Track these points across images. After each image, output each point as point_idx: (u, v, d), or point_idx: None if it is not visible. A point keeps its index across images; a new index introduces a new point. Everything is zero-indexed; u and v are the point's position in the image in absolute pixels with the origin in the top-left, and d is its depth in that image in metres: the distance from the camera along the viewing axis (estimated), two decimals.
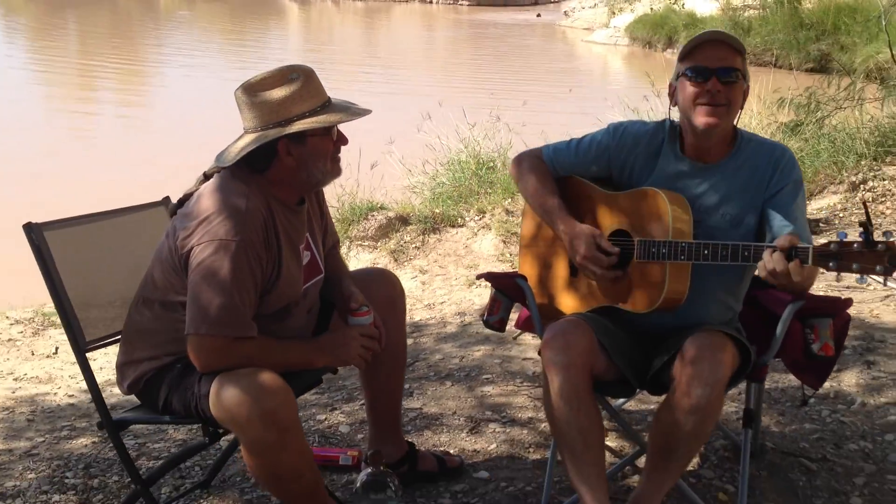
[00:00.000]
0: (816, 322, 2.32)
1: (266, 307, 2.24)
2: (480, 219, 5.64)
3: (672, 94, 2.42)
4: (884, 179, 6.78)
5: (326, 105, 2.26)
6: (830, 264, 1.99)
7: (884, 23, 7.82)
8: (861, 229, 1.95)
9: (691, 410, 2.11)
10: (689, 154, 2.41)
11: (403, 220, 5.50)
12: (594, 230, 2.42)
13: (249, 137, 2.22)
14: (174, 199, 2.48)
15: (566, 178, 2.60)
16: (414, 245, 5.38)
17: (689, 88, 2.31)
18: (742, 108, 2.38)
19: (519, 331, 2.87)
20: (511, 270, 3.11)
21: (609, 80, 17.25)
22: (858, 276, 1.97)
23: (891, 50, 7.31)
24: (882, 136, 7.17)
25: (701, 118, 2.30)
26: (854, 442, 2.92)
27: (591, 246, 2.38)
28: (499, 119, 6.43)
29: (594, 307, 2.47)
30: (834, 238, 2.01)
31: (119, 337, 2.41)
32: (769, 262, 2.04)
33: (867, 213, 1.96)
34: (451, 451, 2.92)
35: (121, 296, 2.47)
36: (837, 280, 2.94)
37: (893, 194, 6.69)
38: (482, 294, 4.74)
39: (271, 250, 2.21)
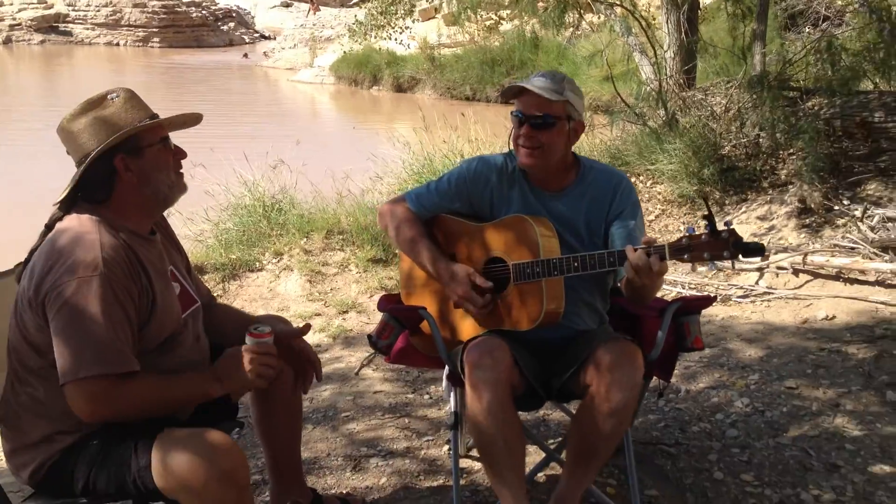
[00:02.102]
0: (687, 319, 2.63)
1: (149, 341, 2.08)
2: (279, 261, 5.57)
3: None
4: None
5: (154, 118, 2.16)
6: (685, 256, 2.26)
7: (604, 56, 8.80)
8: (705, 222, 2.23)
9: (611, 413, 2.32)
10: (535, 183, 2.63)
11: (199, 270, 5.28)
12: (468, 269, 2.56)
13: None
14: None
15: (435, 218, 2.72)
16: (216, 293, 5.17)
17: (513, 130, 2.56)
18: (575, 141, 2.61)
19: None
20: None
21: (364, 117, 17.24)
22: (710, 263, 2.26)
23: (613, 83, 8.25)
24: (612, 157, 8.07)
25: (521, 158, 2.56)
26: (695, 424, 3.32)
27: (467, 285, 2.53)
28: (282, 162, 6.38)
29: (484, 332, 2.60)
30: (683, 233, 2.29)
31: None
32: (633, 258, 2.28)
33: (708, 207, 2.27)
34: (344, 492, 2.91)
35: None
36: (693, 270, 3.29)
37: None
38: None
39: (139, 281, 2.06)
